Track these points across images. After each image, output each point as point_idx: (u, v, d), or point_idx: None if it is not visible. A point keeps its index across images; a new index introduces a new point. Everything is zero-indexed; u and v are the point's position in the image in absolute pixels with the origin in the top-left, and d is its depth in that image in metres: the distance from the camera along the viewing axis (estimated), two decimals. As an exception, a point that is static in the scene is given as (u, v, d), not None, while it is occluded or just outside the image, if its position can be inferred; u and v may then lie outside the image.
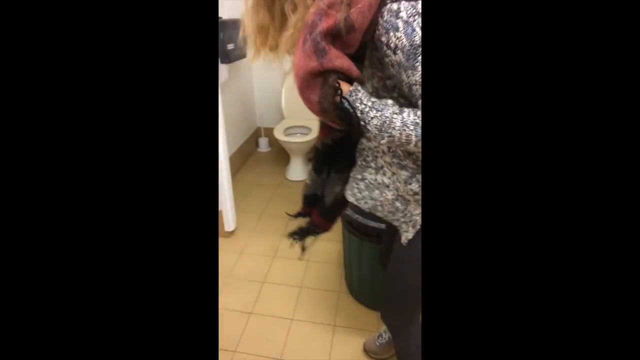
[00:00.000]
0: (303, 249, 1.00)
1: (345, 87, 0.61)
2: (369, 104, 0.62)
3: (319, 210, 0.93)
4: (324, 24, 0.57)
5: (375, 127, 0.62)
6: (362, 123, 0.62)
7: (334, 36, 0.58)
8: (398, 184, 0.78)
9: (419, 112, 0.61)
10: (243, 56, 2.23)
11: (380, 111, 0.62)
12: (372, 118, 0.62)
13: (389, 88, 0.68)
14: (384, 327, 1.34)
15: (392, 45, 0.59)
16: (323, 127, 0.82)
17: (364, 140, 0.83)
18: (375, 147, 0.80)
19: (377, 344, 1.33)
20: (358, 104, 0.62)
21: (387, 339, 1.32)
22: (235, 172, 2.57)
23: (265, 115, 2.91)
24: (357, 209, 1.18)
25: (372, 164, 0.81)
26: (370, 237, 1.34)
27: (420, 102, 0.62)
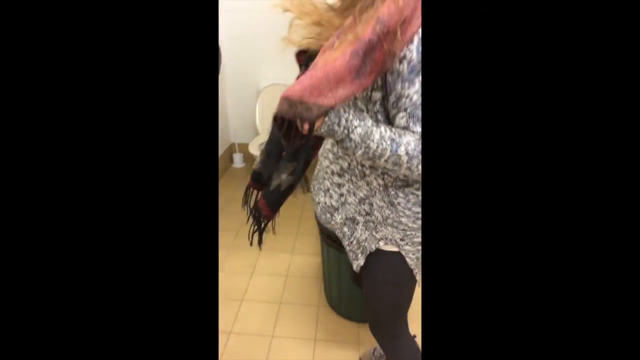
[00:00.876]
0: (259, 241, 0.95)
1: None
2: (351, 112, 0.63)
3: (264, 192, 0.89)
4: (379, 54, 0.57)
5: (359, 136, 0.62)
6: (346, 132, 0.62)
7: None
8: (348, 205, 0.78)
9: (394, 129, 0.62)
10: (215, 73, 2.23)
11: (362, 121, 0.62)
12: (356, 127, 0.62)
13: (372, 100, 0.66)
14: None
15: (400, 54, 0.59)
16: None
17: (322, 160, 0.83)
18: (326, 167, 0.80)
19: (373, 358, 1.33)
20: (343, 112, 0.62)
21: (382, 352, 1.32)
22: (210, 189, 2.53)
23: (240, 130, 2.90)
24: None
25: (322, 187, 0.82)
26: (348, 249, 1.35)
27: (399, 114, 0.62)
